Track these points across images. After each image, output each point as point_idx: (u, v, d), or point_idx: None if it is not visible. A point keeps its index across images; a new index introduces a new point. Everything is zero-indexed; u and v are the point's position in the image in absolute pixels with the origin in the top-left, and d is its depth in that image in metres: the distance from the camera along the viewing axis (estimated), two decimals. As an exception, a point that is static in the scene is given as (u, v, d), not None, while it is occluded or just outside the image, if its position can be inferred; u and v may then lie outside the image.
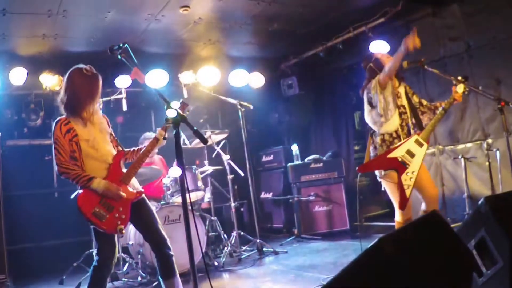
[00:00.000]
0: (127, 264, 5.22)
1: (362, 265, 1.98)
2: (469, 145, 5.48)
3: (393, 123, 3.92)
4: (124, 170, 3.35)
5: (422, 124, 4.00)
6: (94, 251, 4.38)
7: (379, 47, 5.66)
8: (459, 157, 5.34)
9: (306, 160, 6.98)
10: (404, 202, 3.77)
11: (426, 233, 2.09)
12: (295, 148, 7.13)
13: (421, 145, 3.83)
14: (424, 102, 4.11)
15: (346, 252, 5.26)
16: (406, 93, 4.04)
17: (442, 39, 5.68)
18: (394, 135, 3.90)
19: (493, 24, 5.05)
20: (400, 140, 3.85)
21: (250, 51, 6.91)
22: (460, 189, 5.46)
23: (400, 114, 3.95)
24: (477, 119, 5.38)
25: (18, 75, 5.54)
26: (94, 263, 3.23)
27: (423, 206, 3.97)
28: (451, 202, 5.68)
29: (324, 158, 6.97)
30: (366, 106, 4.07)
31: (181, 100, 3.47)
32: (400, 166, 3.78)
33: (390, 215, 7.41)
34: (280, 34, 6.26)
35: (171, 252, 3.29)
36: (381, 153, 3.86)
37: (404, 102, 4.00)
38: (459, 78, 3.97)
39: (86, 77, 3.24)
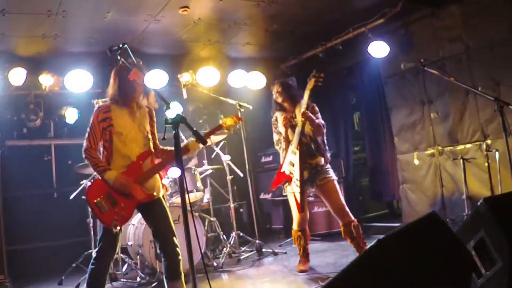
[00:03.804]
0: (126, 265, 5.21)
1: (361, 266, 1.99)
2: (468, 146, 5.48)
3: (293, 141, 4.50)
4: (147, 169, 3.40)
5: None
6: (94, 251, 4.36)
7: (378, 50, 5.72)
8: (458, 158, 5.34)
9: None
10: (298, 206, 4.36)
11: (425, 234, 2.09)
12: (294, 149, 7.11)
13: (294, 153, 4.39)
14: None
15: (346, 253, 5.25)
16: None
17: (441, 40, 5.67)
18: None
19: (492, 25, 5.05)
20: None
21: (249, 51, 6.90)
22: (459, 190, 5.46)
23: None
24: (476, 120, 5.38)
25: (17, 76, 5.51)
26: (94, 254, 3.30)
27: (340, 222, 4.46)
28: (450, 203, 5.68)
29: (323, 159, 6.95)
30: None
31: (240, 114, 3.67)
32: (289, 178, 4.43)
33: (390, 216, 7.46)
34: (279, 35, 6.26)
35: (179, 257, 3.34)
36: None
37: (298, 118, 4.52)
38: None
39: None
